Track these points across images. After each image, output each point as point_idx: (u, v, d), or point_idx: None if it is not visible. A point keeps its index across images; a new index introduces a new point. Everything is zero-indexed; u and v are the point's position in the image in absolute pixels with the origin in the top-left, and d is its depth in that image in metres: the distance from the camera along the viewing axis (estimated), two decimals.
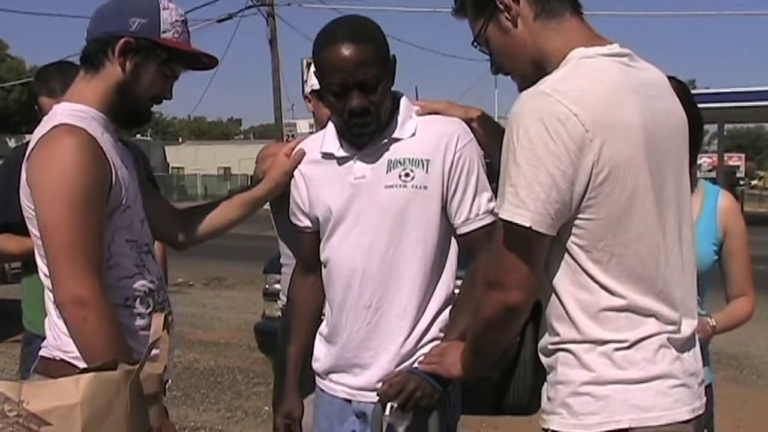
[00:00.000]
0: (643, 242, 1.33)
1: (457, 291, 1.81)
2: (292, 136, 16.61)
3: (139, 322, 1.65)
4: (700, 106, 2.00)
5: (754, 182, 45.67)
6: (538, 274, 1.32)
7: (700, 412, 1.38)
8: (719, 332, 2.16)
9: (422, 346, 1.79)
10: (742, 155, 45.73)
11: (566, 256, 1.33)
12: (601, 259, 1.31)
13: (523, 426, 4.46)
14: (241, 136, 64.22)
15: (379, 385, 1.77)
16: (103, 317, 1.49)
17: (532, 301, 1.35)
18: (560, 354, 1.38)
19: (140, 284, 1.65)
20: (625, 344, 1.33)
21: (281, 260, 2.35)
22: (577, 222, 1.31)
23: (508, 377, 4.71)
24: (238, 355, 6.39)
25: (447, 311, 1.80)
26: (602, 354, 1.34)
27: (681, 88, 1.79)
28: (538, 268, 1.32)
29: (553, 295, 1.37)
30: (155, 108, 1.71)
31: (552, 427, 1.38)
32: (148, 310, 1.66)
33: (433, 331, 1.79)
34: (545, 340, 1.42)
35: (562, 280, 1.35)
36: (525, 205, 1.27)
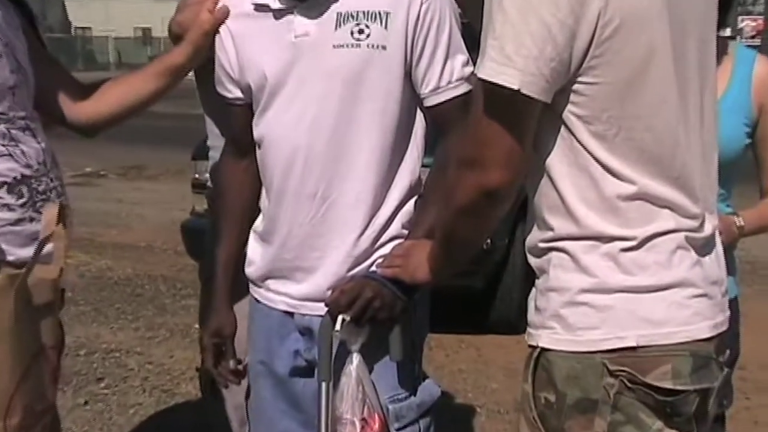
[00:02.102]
0: (658, 114, 1.33)
1: (424, 178, 1.83)
2: None
3: (5, 215, 1.61)
4: None
5: None
6: (525, 150, 1.32)
7: (723, 328, 1.40)
8: (748, 234, 2.15)
9: (381, 245, 1.81)
10: None
11: (562, 130, 1.33)
12: (606, 134, 1.31)
13: (511, 347, 4.56)
14: None
15: (328, 293, 1.80)
16: None
17: (516, 185, 1.35)
18: (553, 254, 1.38)
19: (7, 168, 1.62)
20: (634, 242, 1.33)
21: (208, 142, 2.38)
22: (577, 87, 1.30)
23: (492, 287, 4.80)
24: (161, 261, 6.44)
25: (411, 202, 1.82)
26: (606, 255, 1.34)
27: None
28: (525, 144, 1.31)
29: (546, 180, 1.37)
30: None
31: (541, 344, 1.39)
32: (21, 201, 1.62)
33: (395, 227, 1.81)
34: (534, 236, 1.42)
35: (556, 160, 1.35)
36: (512, 63, 1.25)
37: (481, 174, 1.32)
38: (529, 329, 1.44)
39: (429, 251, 1.61)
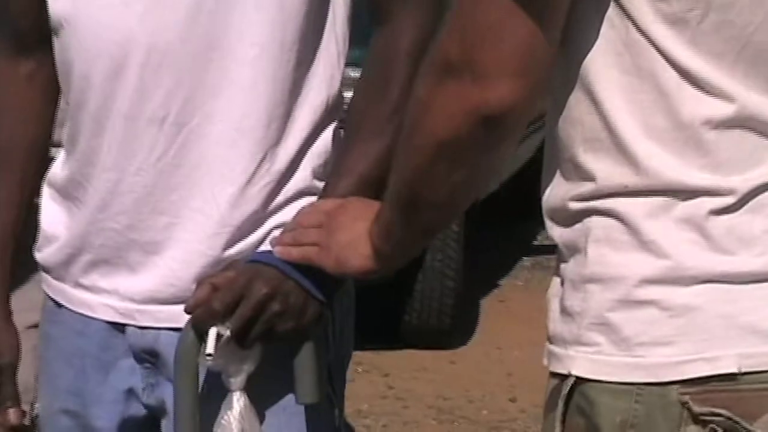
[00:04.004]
0: None
1: (350, 93, 1.77)
2: None
3: None
4: None
5: None
6: (550, 44, 1.29)
7: None
8: None
9: (279, 207, 1.74)
10: None
11: (612, 11, 1.31)
12: (686, 17, 1.29)
13: (440, 370, 4.88)
14: None
15: (190, 289, 1.69)
16: None
17: (534, 103, 1.33)
18: (595, 221, 1.34)
19: None
20: (731, 199, 1.31)
21: None
22: None
23: (404, 288, 4.98)
24: None
25: (327, 133, 1.77)
26: (685, 220, 1.31)
27: None
28: (550, 33, 1.29)
29: (581, 97, 1.34)
30: None
31: (575, 371, 1.34)
32: None
33: (301, 175, 1.75)
34: (559, 191, 1.39)
35: (601, 63, 1.32)
36: None
37: (477, 86, 1.30)
38: (551, 347, 1.41)
39: (372, 219, 1.56)
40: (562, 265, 1.39)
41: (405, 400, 4.77)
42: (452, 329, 5.45)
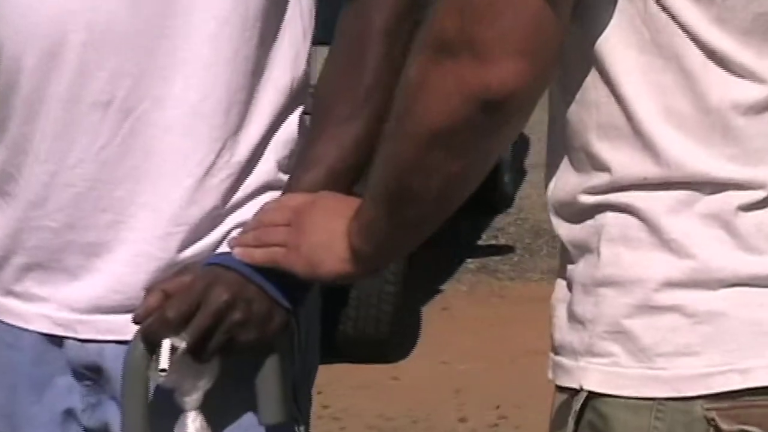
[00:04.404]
0: None
1: (319, 66, 1.77)
2: None
3: None
4: None
5: None
6: (561, 19, 1.30)
7: None
8: None
9: (240, 203, 1.73)
10: None
11: None
12: None
13: (384, 387, 4.92)
14: None
15: (139, 297, 1.67)
16: None
17: (543, 86, 1.34)
18: (609, 217, 1.34)
19: None
20: (763, 193, 1.31)
21: None
22: None
23: (339, 292, 5.01)
24: None
25: (293, 118, 1.76)
26: (710, 216, 1.31)
27: None
28: (561, 10, 1.29)
29: (596, 78, 1.35)
30: None
31: (586, 385, 1.34)
32: None
33: (265, 167, 1.74)
34: (568, 183, 1.39)
35: (617, 40, 1.33)
36: None
37: (476, 67, 1.30)
38: (557, 358, 1.40)
39: (350, 216, 1.55)
40: (570, 267, 1.38)
41: (342, 420, 4.71)
42: (392, 340, 5.45)
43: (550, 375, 1.41)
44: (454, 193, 1.46)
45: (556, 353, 1.39)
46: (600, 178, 1.33)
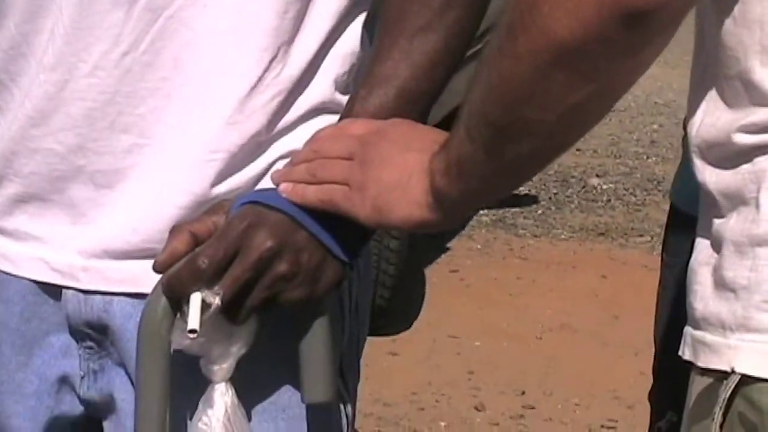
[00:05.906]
0: None
1: None
2: None
3: None
4: None
5: None
6: None
7: None
8: None
9: (289, 126, 1.74)
10: None
11: None
12: None
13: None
14: None
15: (161, 240, 1.68)
16: None
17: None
18: None
19: None
20: None
21: None
22: None
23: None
24: None
25: (356, 29, 1.78)
26: None
27: None
28: None
29: None
30: None
31: (738, 368, 1.34)
32: None
33: (320, 85, 1.76)
34: (723, 120, 1.39)
35: None
36: None
37: None
38: (699, 333, 1.41)
39: (433, 150, 1.56)
40: (718, 222, 1.37)
41: None
42: (392, 308, 5.43)
43: (687, 354, 1.40)
44: (573, 128, 1.46)
45: (697, 327, 1.39)
46: (762, 114, 1.32)
